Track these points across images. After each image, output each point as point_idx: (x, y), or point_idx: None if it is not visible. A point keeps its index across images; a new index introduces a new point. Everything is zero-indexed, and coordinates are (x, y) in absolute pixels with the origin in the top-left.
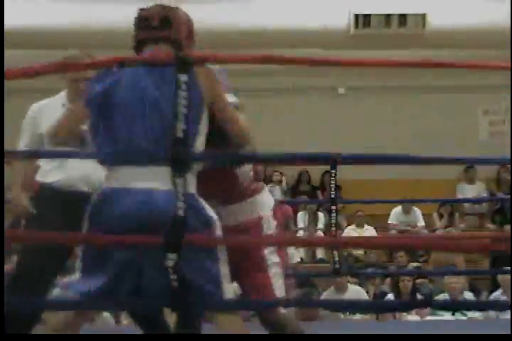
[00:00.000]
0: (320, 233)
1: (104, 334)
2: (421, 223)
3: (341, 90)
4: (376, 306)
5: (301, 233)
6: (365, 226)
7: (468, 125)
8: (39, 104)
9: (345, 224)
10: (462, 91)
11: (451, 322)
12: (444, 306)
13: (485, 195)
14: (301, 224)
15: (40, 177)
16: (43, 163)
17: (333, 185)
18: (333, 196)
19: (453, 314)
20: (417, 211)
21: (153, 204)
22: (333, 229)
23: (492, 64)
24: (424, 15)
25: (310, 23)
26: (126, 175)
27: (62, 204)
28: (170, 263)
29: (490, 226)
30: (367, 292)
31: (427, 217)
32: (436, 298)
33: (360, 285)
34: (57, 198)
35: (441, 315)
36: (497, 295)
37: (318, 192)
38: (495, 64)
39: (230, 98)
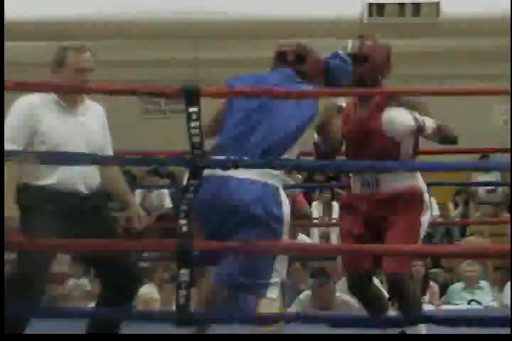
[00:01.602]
0: (335, 222)
1: (104, 334)
2: (436, 212)
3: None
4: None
5: (316, 222)
6: None
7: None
8: (31, 100)
9: None
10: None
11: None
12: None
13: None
14: (315, 214)
15: (35, 179)
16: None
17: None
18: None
19: (468, 303)
20: (432, 200)
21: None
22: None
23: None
24: (437, 4)
25: (323, 12)
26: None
27: (61, 206)
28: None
29: (505, 215)
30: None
31: (441, 206)
32: (453, 286)
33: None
34: (56, 200)
35: (456, 304)
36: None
37: (333, 182)
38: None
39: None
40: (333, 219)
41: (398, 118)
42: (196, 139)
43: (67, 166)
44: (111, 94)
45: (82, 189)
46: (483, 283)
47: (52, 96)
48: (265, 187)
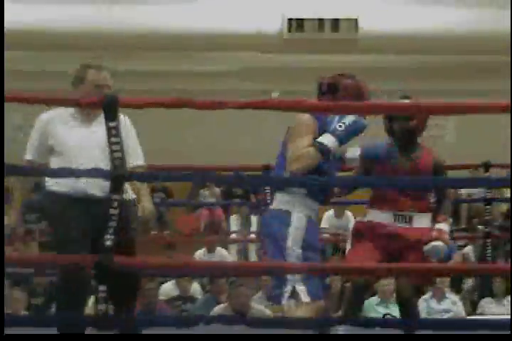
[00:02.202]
0: (253, 236)
1: (104, 334)
2: (350, 224)
3: (275, 94)
4: None
5: (233, 236)
6: None
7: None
8: (48, 115)
9: None
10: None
11: None
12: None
13: None
14: (233, 228)
15: (54, 186)
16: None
17: (268, 190)
18: (268, 200)
19: (383, 317)
20: (349, 214)
21: None
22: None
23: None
24: (356, 20)
25: (244, 26)
26: None
27: (76, 208)
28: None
29: None
30: None
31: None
32: (368, 300)
33: None
34: (71, 203)
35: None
36: (427, 297)
37: (252, 196)
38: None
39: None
40: (252, 233)
41: None
42: (117, 154)
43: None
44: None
45: (94, 193)
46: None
47: (69, 110)
48: None
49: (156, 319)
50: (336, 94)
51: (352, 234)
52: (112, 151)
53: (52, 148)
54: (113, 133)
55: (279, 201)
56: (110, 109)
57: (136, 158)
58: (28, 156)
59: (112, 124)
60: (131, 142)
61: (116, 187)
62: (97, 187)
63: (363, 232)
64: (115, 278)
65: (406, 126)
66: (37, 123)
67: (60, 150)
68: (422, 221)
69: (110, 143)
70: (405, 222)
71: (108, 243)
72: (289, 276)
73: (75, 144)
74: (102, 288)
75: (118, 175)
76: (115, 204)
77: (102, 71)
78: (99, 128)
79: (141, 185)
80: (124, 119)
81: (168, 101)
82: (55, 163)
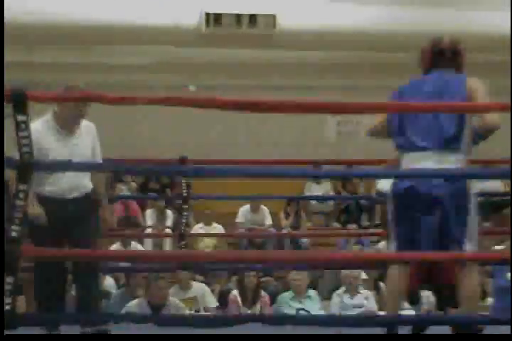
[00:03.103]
0: (168, 231)
1: (104, 334)
2: (268, 221)
3: (192, 88)
4: None
5: (149, 230)
6: (214, 224)
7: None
8: (34, 126)
9: (194, 222)
10: (311, 92)
11: None
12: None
13: (332, 194)
14: (149, 222)
15: (39, 189)
16: (41, 179)
17: (184, 184)
18: (185, 194)
19: (296, 312)
20: (265, 209)
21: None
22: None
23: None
24: (274, 16)
25: (161, 20)
26: None
27: (55, 208)
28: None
29: (335, 225)
30: (212, 290)
31: (274, 215)
32: (282, 295)
33: (207, 283)
34: (51, 203)
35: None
36: (340, 292)
37: (168, 190)
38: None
39: None
40: (167, 227)
41: None
42: (26, 149)
43: (59, 180)
44: None
45: (70, 195)
46: (311, 292)
47: (52, 123)
48: None
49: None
50: (458, 59)
51: None
52: (20, 145)
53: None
54: (22, 127)
55: None
56: (18, 102)
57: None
58: None
59: (20, 118)
60: (97, 146)
61: (22, 177)
62: (79, 188)
63: None
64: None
65: None
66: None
67: (46, 159)
68: None
69: (19, 137)
70: None
71: (14, 234)
72: None
73: (60, 156)
74: (9, 280)
75: (25, 165)
76: (21, 195)
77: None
78: (79, 140)
79: (103, 192)
80: (90, 126)
81: (77, 96)
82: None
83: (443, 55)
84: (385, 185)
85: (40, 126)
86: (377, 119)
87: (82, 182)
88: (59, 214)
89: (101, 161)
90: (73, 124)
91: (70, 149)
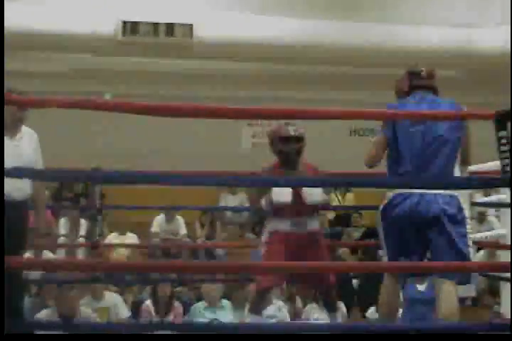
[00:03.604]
0: (82, 240)
1: (103, 334)
2: (183, 231)
3: (107, 96)
4: None
5: (62, 239)
6: (128, 233)
7: (232, 136)
8: None
9: (108, 232)
10: (228, 103)
11: None
12: None
13: (247, 205)
14: (62, 231)
15: None
16: None
17: (99, 194)
18: (98, 205)
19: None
20: (180, 219)
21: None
22: (98, 237)
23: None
24: (191, 26)
25: (79, 27)
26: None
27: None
28: None
29: (250, 235)
30: (125, 300)
31: (189, 225)
32: (195, 305)
33: (120, 293)
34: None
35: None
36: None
37: (81, 199)
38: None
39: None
40: (81, 236)
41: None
42: None
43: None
44: None
45: (16, 197)
46: (224, 302)
47: None
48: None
49: None
50: (433, 79)
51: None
52: None
53: None
54: None
55: None
56: None
57: (39, 165)
58: None
59: None
60: (38, 154)
61: None
62: (19, 191)
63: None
64: None
65: (296, 147)
66: None
67: None
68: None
69: None
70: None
71: None
72: None
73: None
74: None
75: None
76: None
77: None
78: (20, 143)
79: (42, 199)
80: (32, 133)
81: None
82: None
83: (420, 78)
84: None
85: None
86: (374, 149)
87: (24, 186)
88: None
89: (42, 167)
90: (13, 128)
91: (12, 151)
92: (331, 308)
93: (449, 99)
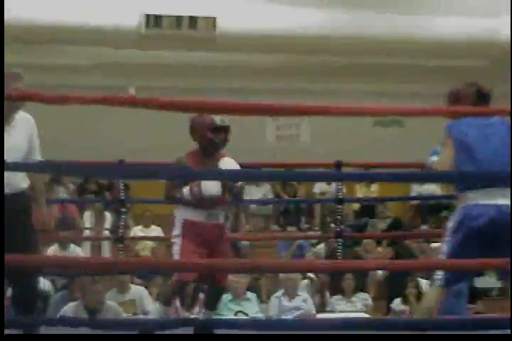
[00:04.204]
0: (107, 233)
1: (103, 334)
2: None
3: (131, 90)
4: None
5: (87, 232)
6: (152, 226)
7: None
8: None
9: (132, 224)
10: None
11: None
12: None
13: (271, 196)
14: (87, 224)
15: None
16: None
17: (122, 186)
18: (122, 197)
19: (235, 314)
20: None
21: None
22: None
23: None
24: (214, 19)
25: (101, 21)
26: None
27: None
28: None
29: (274, 227)
30: (150, 293)
31: None
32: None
33: (144, 285)
34: None
35: (223, 315)
36: (278, 295)
37: (106, 192)
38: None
39: None
40: (106, 229)
41: None
42: None
43: None
44: None
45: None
46: (250, 295)
47: None
48: None
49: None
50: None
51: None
52: None
53: None
54: None
55: None
56: None
57: (35, 154)
58: None
59: None
60: (35, 141)
61: None
62: (8, 185)
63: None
64: None
65: (225, 137)
66: None
67: None
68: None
69: None
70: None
71: None
72: None
73: None
74: None
75: None
76: None
77: (21, 81)
78: (13, 129)
79: (40, 191)
80: (28, 119)
81: (15, 94)
82: None
83: (486, 98)
84: None
85: None
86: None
87: (12, 179)
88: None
89: (38, 157)
90: (7, 116)
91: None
92: (211, 307)
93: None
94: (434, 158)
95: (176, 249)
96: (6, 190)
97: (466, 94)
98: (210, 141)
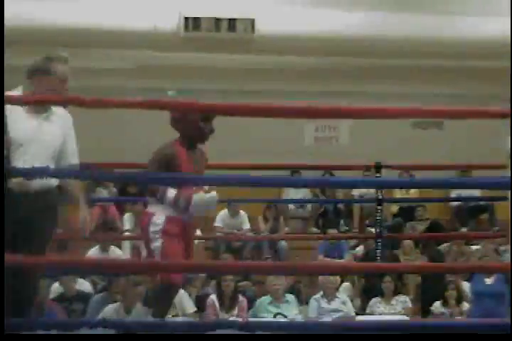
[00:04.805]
0: None
1: (104, 334)
2: (246, 226)
3: (171, 93)
4: None
5: (127, 234)
6: None
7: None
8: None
9: None
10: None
11: None
12: None
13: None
14: (127, 226)
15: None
16: None
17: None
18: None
19: (274, 316)
20: (243, 214)
21: None
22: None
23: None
24: (253, 21)
25: (140, 23)
26: None
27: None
28: None
29: (314, 229)
30: (189, 294)
31: (252, 220)
32: (260, 300)
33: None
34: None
35: (263, 317)
36: (317, 297)
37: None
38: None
39: None
40: None
41: None
42: None
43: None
44: None
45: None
46: (289, 297)
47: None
48: None
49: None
50: None
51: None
52: None
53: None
54: None
55: None
56: None
57: (72, 157)
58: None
59: None
60: (71, 141)
61: None
62: (36, 182)
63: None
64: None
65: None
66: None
67: (18, 143)
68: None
69: None
70: None
71: None
72: None
73: (25, 138)
74: None
75: None
76: None
77: (66, 64)
78: (48, 123)
79: (75, 191)
80: (66, 116)
81: (56, 98)
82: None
83: None
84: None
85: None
86: None
87: None
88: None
89: (74, 158)
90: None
91: (36, 131)
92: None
93: None
94: None
95: (157, 246)
96: (34, 186)
97: None
98: (201, 130)
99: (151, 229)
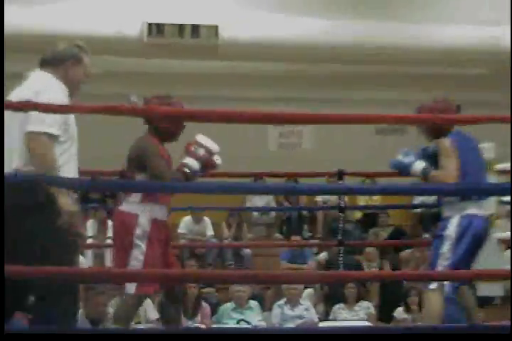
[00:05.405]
0: (110, 241)
1: (103, 334)
2: (210, 232)
3: (133, 98)
4: None
5: (90, 241)
6: None
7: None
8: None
9: None
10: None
11: None
12: None
13: (273, 205)
14: (90, 233)
15: None
16: None
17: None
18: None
19: (237, 323)
20: (207, 220)
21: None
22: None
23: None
24: (216, 27)
25: (103, 29)
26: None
27: None
28: None
29: (277, 235)
30: (153, 301)
31: (216, 226)
32: (223, 306)
33: None
34: None
35: (225, 323)
36: (281, 303)
37: (108, 200)
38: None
39: None
40: (109, 237)
41: None
42: None
43: None
44: None
45: None
46: (252, 303)
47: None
48: None
49: None
50: None
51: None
52: None
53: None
54: None
55: None
56: None
57: None
58: (51, 129)
59: None
60: None
61: None
62: None
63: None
64: None
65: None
66: (58, 91)
67: (68, 135)
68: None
69: None
70: None
71: None
72: None
73: (74, 129)
74: None
75: None
76: None
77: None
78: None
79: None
80: None
81: (13, 104)
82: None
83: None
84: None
85: (63, 94)
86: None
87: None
88: None
89: None
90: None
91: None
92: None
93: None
94: (420, 165)
95: (138, 253)
96: None
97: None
98: (179, 129)
99: (137, 232)
